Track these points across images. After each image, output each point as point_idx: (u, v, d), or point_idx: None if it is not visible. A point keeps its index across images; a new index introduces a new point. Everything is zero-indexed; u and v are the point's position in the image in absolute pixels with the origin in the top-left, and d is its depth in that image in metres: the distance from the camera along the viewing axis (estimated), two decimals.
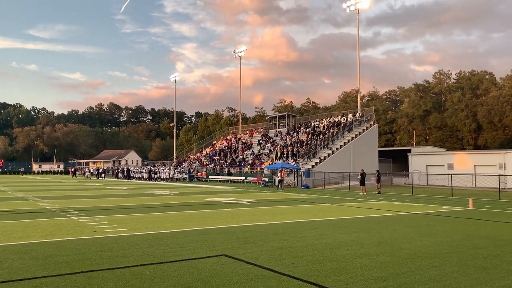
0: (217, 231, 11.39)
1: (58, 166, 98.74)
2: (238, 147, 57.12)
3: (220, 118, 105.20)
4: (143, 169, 57.59)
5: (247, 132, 63.80)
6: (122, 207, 17.87)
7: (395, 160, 52.93)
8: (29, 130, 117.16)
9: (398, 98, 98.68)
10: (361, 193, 28.36)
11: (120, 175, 59.31)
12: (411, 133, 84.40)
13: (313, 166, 40.75)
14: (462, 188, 35.61)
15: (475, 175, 39.97)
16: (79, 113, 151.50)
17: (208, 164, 54.67)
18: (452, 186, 29.22)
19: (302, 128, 52.76)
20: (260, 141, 54.91)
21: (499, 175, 28.46)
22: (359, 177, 29.59)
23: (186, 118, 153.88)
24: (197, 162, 58.32)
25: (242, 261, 7.95)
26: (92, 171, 66.34)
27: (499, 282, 6.89)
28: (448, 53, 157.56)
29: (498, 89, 77.66)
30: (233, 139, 61.91)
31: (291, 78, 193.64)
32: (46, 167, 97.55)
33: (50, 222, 12.97)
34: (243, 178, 44.25)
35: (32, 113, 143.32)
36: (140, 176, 53.06)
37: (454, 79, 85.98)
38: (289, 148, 46.19)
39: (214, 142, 65.32)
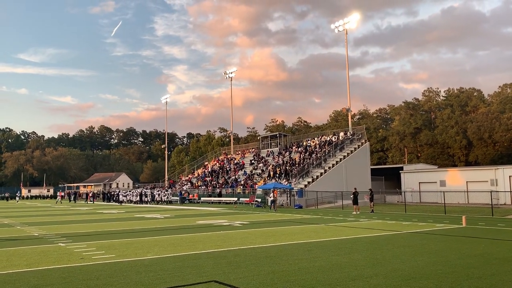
0: (208, 256, 11.17)
1: (48, 191, 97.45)
2: (230, 167, 56.94)
3: (212, 138, 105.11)
4: (133, 191, 56.88)
5: (239, 152, 63.70)
6: (111, 232, 17.55)
7: (388, 178, 53.01)
8: (19, 154, 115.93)
9: (388, 116, 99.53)
10: (354, 212, 28.20)
11: (106, 198, 58.60)
12: (402, 151, 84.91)
13: (305, 186, 40.58)
14: (455, 205, 35.63)
15: (467, 191, 40.09)
16: (69, 136, 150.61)
17: (200, 186, 54.27)
18: (445, 203, 29.22)
19: (294, 148, 52.79)
20: (252, 161, 54.78)
21: (491, 191, 28.53)
22: (351, 196, 29.51)
23: (177, 140, 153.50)
24: (188, 183, 57.91)
25: (233, 287, 7.75)
26: (63, 194, 65.71)
27: None
28: (436, 71, 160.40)
29: (486, 106, 78.83)
30: (225, 159, 61.72)
31: (281, 98, 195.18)
32: (35, 191, 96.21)
33: (36, 250, 12.64)
34: (235, 199, 43.91)
35: (22, 137, 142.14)
36: (130, 199, 52.42)
37: (443, 96, 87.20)
38: (282, 167, 46.07)
39: (206, 163, 65.07)
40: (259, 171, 50.22)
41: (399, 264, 9.80)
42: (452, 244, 13.01)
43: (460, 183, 44.90)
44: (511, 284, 7.91)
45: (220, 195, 47.24)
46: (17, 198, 73.85)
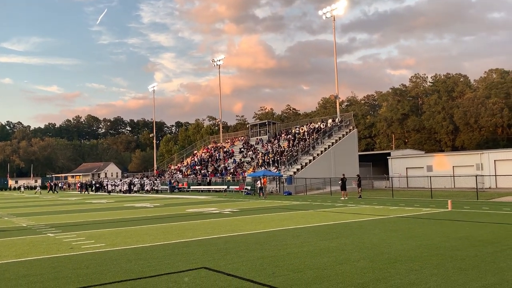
0: (198, 243, 11.26)
1: (36, 181, 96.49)
2: (219, 156, 56.95)
3: (201, 127, 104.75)
4: (121, 181, 56.60)
5: (228, 140, 63.67)
6: (100, 222, 17.53)
7: (375, 163, 53.58)
8: (4, 145, 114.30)
9: (376, 103, 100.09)
10: (342, 198, 28.53)
11: (92, 188, 58.18)
12: (390, 137, 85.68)
13: (294, 173, 40.86)
14: (441, 190, 36.22)
15: (453, 176, 40.75)
16: (56, 126, 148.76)
17: (189, 174, 54.25)
18: (431, 188, 29.69)
19: (283, 135, 52.94)
20: (242, 149, 54.85)
21: (476, 176, 29.05)
22: (340, 182, 29.81)
23: (166, 128, 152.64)
24: (178, 172, 57.83)
25: (222, 273, 7.85)
26: (25, 185, 65.08)
27: (478, 282, 6.97)
28: (423, 57, 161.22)
29: (472, 91, 79.67)
30: (214, 148, 61.68)
31: (270, 86, 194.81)
32: (23, 182, 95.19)
33: (25, 240, 12.60)
34: (225, 187, 44.07)
35: (7, 127, 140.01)
36: (119, 189, 52.24)
37: (430, 82, 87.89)
38: (271, 155, 46.25)
39: (195, 152, 64.97)
40: (248, 159, 50.34)
41: (386, 247, 10.00)
42: (437, 227, 13.29)
43: (447, 168, 45.56)
44: (493, 264, 8.14)
45: (209, 183, 47.31)
46: (22, 189, 73.18)
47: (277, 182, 39.45)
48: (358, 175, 31.37)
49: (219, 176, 48.62)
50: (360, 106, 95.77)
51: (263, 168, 43.27)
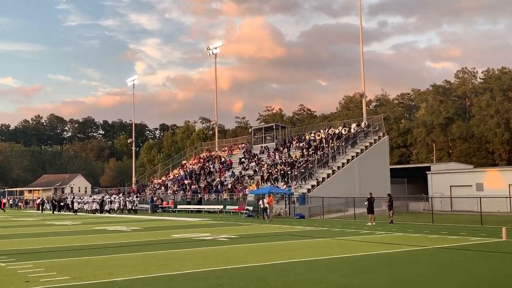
0: (185, 278, 11.29)
1: None
2: (214, 167, 56.97)
3: (191, 131, 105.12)
4: (91, 198, 56.74)
5: (226, 148, 63.79)
6: (64, 249, 17.57)
7: (411, 180, 53.48)
8: None
9: (413, 103, 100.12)
10: (369, 223, 28.51)
11: (48, 206, 58.27)
12: (430, 147, 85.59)
13: (309, 190, 40.81)
14: (494, 214, 36.04)
15: (510, 197, 40.55)
16: (10, 128, 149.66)
17: (176, 191, 54.31)
18: (481, 212, 29.58)
19: (294, 143, 53.01)
20: (242, 160, 54.90)
21: None
22: (366, 203, 29.79)
23: (148, 132, 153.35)
24: (162, 188, 57.81)
25: None
26: None
27: None
28: (471, 47, 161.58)
29: None
30: (208, 157, 61.73)
31: (278, 80, 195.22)
32: None
33: None
34: (220, 207, 44.05)
35: None
36: (88, 208, 52.37)
37: (480, 78, 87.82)
38: (279, 167, 46.23)
39: (184, 162, 65.08)
40: (250, 172, 50.35)
41: (423, 287, 9.97)
42: (488, 262, 13.24)
43: (502, 186, 45.38)
44: None
45: (200, 202, 47.32)
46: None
47: (287, 202, 39.41)
48: (389, 195, 31.32)
49: (214, 193, 48.63)
50: (392, 107, 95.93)
51: (269, 184, 43.26)
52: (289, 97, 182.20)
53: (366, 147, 46.08)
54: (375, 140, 47.09)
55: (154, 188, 58.84)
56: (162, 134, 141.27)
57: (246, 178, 48.93)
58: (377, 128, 48.59)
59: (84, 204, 54.33)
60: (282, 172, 44.82)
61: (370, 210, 29.37)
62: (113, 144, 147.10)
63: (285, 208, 39.20)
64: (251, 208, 39.42)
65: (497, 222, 27.98)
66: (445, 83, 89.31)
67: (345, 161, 44.35)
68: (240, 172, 51.33)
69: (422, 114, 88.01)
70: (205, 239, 20.48)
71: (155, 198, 52.18)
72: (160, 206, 50.67)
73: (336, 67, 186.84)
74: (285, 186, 41.42)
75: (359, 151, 45.60)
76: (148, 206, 50.65)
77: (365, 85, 49.95)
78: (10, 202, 73.62)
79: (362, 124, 49.00)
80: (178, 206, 49.15)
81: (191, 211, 46.43)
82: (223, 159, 58.54)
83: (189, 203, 48.83)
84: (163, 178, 62.36)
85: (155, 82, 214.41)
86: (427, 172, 52.33)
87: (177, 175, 60.40)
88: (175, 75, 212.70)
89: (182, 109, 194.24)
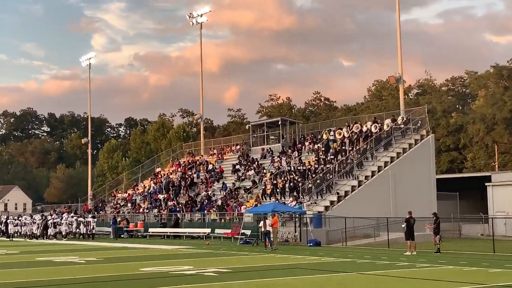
0: None
1: None
2: (198, 177, 56.92)
3: (168, 128, 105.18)
4: (32, 218, 56.48)
5: (214, 151, 63.73)
6: None
7: (465, 194, 53.38)
8: None
9: (467, 91, 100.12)
10: (408, 253, 28.51)
11: None
12: (491, 149, 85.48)
13: (326, 208, 40.74)
14: None
15: None
16: None
17: (148, 208, 54.27)
18: None
19: (307, 144, 52.97)
20: (237, 167, 54.87)
21: None
22: (404, 225, 29.70)
23: (109, 130, 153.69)
24: (128, 204, 57.75)
25: None
26: None
27: None
28: None
29: None
30: (190, 163, 61.69)
31: (286, 59, 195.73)
32: None
33: None
34: (207, 230, 44.02)
35: None
36: (28, 232, 52.22)
37: None
38: (287, 178, 46.20)
39: (158, 170, 64.99)
40: (248, 183, 50.33)
41: None
42: None
43: None
44: None
45: (177, 224, 47.37)
46: None
47: (297, 224, 39.35)
48: (435, 214, 31.19)
49: (198, 212, 48.54)
50: (439, 96, 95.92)
51: (272, 200, 43.17)
52: (301, 83, 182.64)
53: (404, 150, 45.98)
54: (416, 140, 47.00)
55: (118, 205, 58.76)
56: (128, 132, 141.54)
57: (242, 191, 48.84)
58: (419, 125, 48.50)
59: (22, 226, 54.21)
60: (291, 183, 44.71)
61: (410, 235, 29.31)
62: (62, 146, 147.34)
63: (295, 232, 39.10)
64: (248, 232, 39.32)
65: None
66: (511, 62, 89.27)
67: (375, 169, 44.26)
68: (234, 184, 51.24)
69: (480, 105, 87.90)
70: (186, 274, 20.40)
71: (118, 219, 52.07)
72: (125, 229, 50.60)
73: (364, 41, 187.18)
74: (294, 203, 41.33)
75: (394, 155, 45.50)
76: (109, 229, 50.53)
77: (403, 66, 49.95)
78: None
79: (399, 119, 48.88)
80: (150, 230, 49.08)
81: (168, 236, 46.39)
82: (211, 166, 58.43)
83: (164, 226, 48.76)
84: (130, 192, 62.24)
85: (119, 62, 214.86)
86: (486, 184, 52.16)
87: (148, 187, 60.33)
88: (146, 53, 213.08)
89: (156, 98, 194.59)
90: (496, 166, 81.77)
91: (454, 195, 51.78)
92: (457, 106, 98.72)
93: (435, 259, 25.67)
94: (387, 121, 49.30)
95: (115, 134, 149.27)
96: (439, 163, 79.12)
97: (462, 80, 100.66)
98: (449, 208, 48.92)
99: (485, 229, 45.67)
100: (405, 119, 48.78)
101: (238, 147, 61.14)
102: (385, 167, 44.53)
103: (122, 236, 49.60)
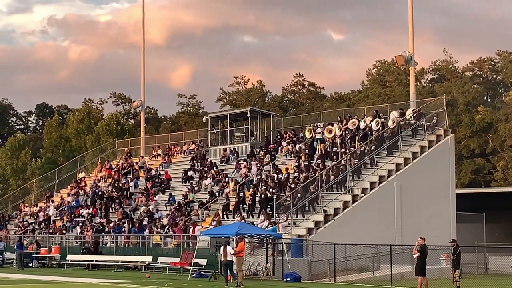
0: None
1: None
2: (137, 186, 56.85)
3: (96, 119, 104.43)
4: None
5: (159, 151, 63.72)
6: None
7: (494, 215, 53.84)
8: None
9: (498, 78, 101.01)
10: None
11: None
12: None
13: (309, 231, 40.87)
14: None
15: None
16: None
17: (67, 227, 53.99)
18: None
19: (285, 144, 53.09)
20: (190, 173, 54.95)
21: None
22: (417, 255, 29.75)
23: (14, 120, 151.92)
24: (39, 221, 57.27)
25: None
26: None
27: None
28: None
29: None
30: (125, 167, 61.69)
31: (255, 29, 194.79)
32: None
33: None
34: (148, 259, 44.03)
35: None
36: None
37: None
38: (257, 189, 46.25)
39: (81, 176, 64.64)
40: (204, 195, 50.39)
41: None
42: None
43: None
44: None
45: (96, 249, 47.18)
46: None
47: (270, 252, 39.30)
48: (454, 241, 31.38)
49: (136, 233, 48.40)
50: (462, 83, 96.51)
51: (237, 219, 43.11)
52: (276, 62, 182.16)
53: (415, 155, 46.23)
54: (430, 142, 47.25)
55: (25, 223, 58.29)
56: (41, 124, 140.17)
57: (196, 207, 48.77)
58: (434, 122, 48.78)
59: None
60: (262, 197, 44.74)
61: (421, 269, 29.39)
62: None
63: (267, 263, 39.01)
64: (203, 262, 39.29)
65: None
66: None
67: (376, 179, 44.44)
68: (185, 196, 51.20)
69: None
70: None
71: (25, 242, 51.62)
72: (35, 255, 50.24)
73: (362, 9, 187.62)
74: (266, 223, 41.36)
75: (401, 161, 45.70)
76: (13, 255, 50.09)
77: (414, 42, 50.25)
78: None
79: (409, 114, 49.19)
80: (69, 257, 48.80)
81: (93, 266, 46.27)
82: (154, 172, 58.35)
83: (87, 251, 48.56)
84: (42, 205, 61.86)
85: (28, 27, 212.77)
86: None
87: (68, 199, 59.93)
88: (65, 16, 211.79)
89: (79, 78, 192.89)
90: None
91: (480, 216, 52.13)
92: (485, 97, 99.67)
93: None
94: (393, 116, 49.51)
95: (22, 126, 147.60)
96: (460, 173, 79.78)
97: (492, 63, 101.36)
98: (473, 234, 49.23)
99: None
100: (416, 113, 49.01)
101: (192, 146, 61.08)
102: (388, 177, 44.69)
103: (31, 265, 49.25)
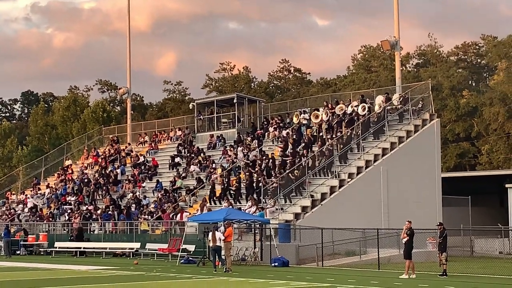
0: None
1: None
2: (124, 173, 56.76)
3: (82, 106, 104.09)
4: None
5: (146, 138, 63.61)
6: None
7: (479, 199, 53.92)
8: None
9: (483, 62, 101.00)
10: (405, 276, 28.79)
11: None
12: None
13: (297, 216, 40.90)
14: None
15: None
16: None
17: (54, 215, 53.96)
18: None
19: (271, 130, 53.12)
20: (177, 159, 54.95)
21: None
22: (405, 240, 29.79)
23: None
24: (26, 210, 57.22)
25: None
26: None
27: None
28: None
29: None
30: (112, 154, 61.61)
31: (241, 16, 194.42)
32: None
33: None
34: (136, 245, 44.04)
35: None
36: None
37: None
38: (244, 174, 46.33)
39: (68, 163, 64.44)
40: (191, 181, 50.40)
41: None
42: None
43: None
44: None
45: (80, 235, 47.09)
46: None
47: (257, 237, 39.42)
48: (440, 225, 31.45)
49: (123, 220, 48.40)
50: (446, 68, 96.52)
51: (225, 205, 43.18)
52: (262, 48, 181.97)
53: (401, 140, 46.40)
54: (416, 126, 47.45)
55: (12, 211, 58.18)
56: (26, 111, 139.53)
57: (184, 193, 48.84)
58: (420, 106, 48.94)
59: None
60: (250, 182, 44.87)
61: (407, 252, 29.49)
62: None
63: (254, 248, 39.14)
64: (192, 248, 39.34)
65: None
66: None
67: (362, 164, 44.59)
68: (173, 183, 51.23)
69: (500, 81, 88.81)
70: None
71: (13, 230, 51.51)
72: (22, 243, 50.24)
73: None
74: (254, 209, 41.42)
75: (388, 146, 45.87)
76: (1, 243, 50.07)
77: (399, 27, 50.30)
78: None
79: (395, 98, 49.28)
80: (57, 244, 48.82)
81: (81, 253, 46.23)
82: (141, 158, 58.29)
83: (75, 238, 48.49)
84: (29, 193, 61.71)
85: (11, 14, 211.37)
86: (507, 186, 52.63)
87: (55, 186, 59.87)
88: (48, 3, 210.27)
89: (65, 65, 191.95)
90: None
91: (465, 199, 52.25)
92: (470, 82, 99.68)
93: (440, 284, 26.03)
94: (378, 101, 49.58)
95: (8, 114, 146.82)
96: (445, 157, 79.90)
97: (477, 47, 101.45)
98: (459, 217, 49.41)
99: (504, 245, 46.17)
100: (402, 98, 49.11)
101: (178, 133, 61.04)
102: (375, 161, 44.83)
103: (18, 252, 49.23)
